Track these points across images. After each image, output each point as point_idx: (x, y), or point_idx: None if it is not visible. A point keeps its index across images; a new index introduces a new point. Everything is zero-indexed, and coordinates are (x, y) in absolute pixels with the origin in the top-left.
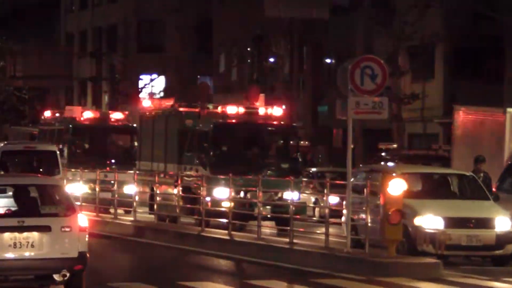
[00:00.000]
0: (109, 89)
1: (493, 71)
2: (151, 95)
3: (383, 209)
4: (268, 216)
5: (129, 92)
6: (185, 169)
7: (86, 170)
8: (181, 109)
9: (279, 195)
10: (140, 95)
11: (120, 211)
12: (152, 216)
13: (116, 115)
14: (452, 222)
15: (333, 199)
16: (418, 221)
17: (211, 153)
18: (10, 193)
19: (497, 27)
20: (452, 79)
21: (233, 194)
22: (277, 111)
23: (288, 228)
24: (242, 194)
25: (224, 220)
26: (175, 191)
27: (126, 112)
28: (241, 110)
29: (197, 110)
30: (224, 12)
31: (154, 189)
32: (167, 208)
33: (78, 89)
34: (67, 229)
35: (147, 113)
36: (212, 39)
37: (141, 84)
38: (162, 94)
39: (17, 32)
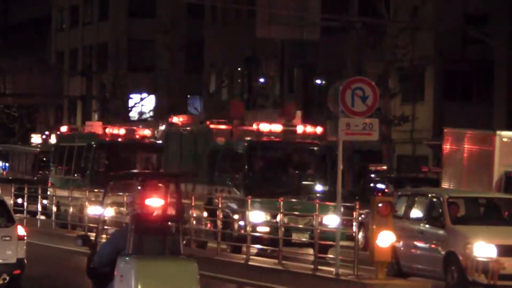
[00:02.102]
0: (99, 107)
1: (483, 94)
2: (141, 114)
3: (373, 231)
4: (306, 242)
5: (119, 111)
6: (216, 191)
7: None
8: (212, 126)
9: (319, 220)
10: (130, 114)
11: None
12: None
13: (143, 132)
14: (506, 250)
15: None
16: (469, 249)
17: (246, 174)
18: None
19: (487, 51)
20: (441, 102)
21: (269, 218)
22: (316, 129)
23: (331, 256)
24: (278, 218)
25: (259, 246)
26: (204, 214)
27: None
28: (278, 128)
29: (229, 127)
30: (215, 32)
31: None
32: (195, 233)
33: (68, 107)
34: (7, 238)
35: (174, 130)
36: (203, 59)
37: (131, 103)
38: (151, 113)
39: (7, 49)
